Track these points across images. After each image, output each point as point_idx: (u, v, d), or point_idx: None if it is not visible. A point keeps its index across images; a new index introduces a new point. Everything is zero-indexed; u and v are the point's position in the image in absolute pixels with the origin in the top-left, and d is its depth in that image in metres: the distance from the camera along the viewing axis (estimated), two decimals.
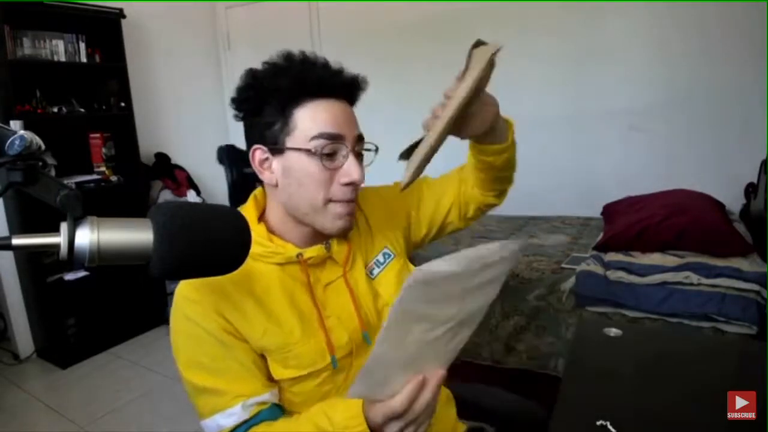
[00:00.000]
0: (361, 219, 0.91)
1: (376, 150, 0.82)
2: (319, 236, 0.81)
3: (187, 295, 0.74)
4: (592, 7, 2.63)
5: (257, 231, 0.79)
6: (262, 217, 0.85)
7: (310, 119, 0.75)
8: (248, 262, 0.69)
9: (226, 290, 0.74)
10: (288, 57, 0.77)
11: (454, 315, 0.60)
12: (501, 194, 0.98)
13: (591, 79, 2.72)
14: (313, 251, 0.80)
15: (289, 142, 0.75)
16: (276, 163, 0.77)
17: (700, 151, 2.52)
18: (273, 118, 0.76)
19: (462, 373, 0.95)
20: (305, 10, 3.44)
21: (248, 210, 0.84)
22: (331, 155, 0.75)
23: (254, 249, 0.74)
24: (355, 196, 0.79)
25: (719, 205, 2.12)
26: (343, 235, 0.83)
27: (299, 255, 0.79)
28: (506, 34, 2.88)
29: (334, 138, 0.75)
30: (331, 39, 3.38)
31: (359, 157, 0.80)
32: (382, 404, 0.62)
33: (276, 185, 0.78)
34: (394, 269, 0.89)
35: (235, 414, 0.72)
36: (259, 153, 0.78)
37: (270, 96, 0.75)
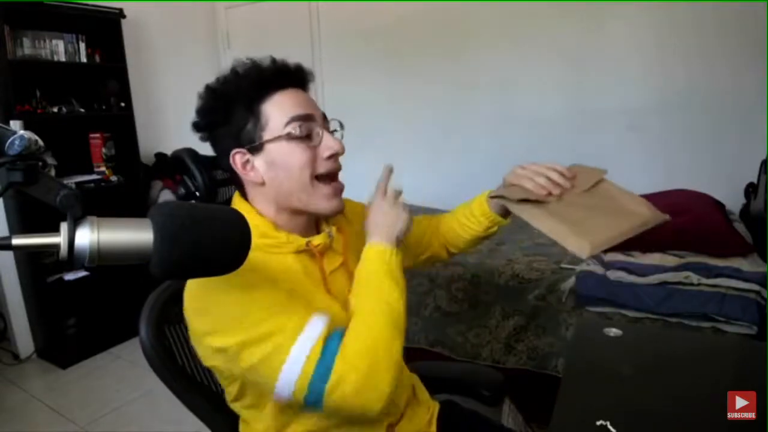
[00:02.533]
0: (344, 221, 0.95)
1: (342, 126, 0.87)
2: (313, 227, 0.87)
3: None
4: (591, 8, 2.63)
5: (264, 224, 0.81)
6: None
7: (279, 109, 0.79)
8: (261, 256, 0.74)
9: (254, 282, 0.72)
10: (238, 65, 0.83)
11: None
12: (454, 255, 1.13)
13: (590, 80, 2.72)
14: (320, 239, 0.84)
15: (267, 136, 0.79)
16: (258, 161, 0.80)
17: (699, 151, 2.51)
18: (244, 120, 0.79)
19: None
20: (305, 10, 3.44)
21: (243, 207, 0.84)
22: (307, 136, 0.80)
23: (265, 241, 0.79)
24: (339, 169, 0.84)
25: (719, 205, 2.12)
26: (337, 214, 0.87)
27: (308, 243, 0.82)
28: (506, 35, 2.89)
29: (306, 118, 0.79)
30: (331, 39, 3.38)
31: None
32: None
33: (263, 183, 0.81)
34: None
35: (321, 320, 0.71)
36: (239, 157, 0.81)
37: (235, 100, 0.79)
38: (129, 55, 2.88)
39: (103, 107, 2.84)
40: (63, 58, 2.68)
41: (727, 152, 2.45)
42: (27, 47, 2.56)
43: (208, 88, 0.82)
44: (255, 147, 0.79)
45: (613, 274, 1.74)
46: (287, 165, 0.79)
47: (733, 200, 2.29)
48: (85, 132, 2.80)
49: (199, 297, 0.73)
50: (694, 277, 1.63)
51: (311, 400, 0.68)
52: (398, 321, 0.77)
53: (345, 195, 0.90)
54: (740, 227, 1.98)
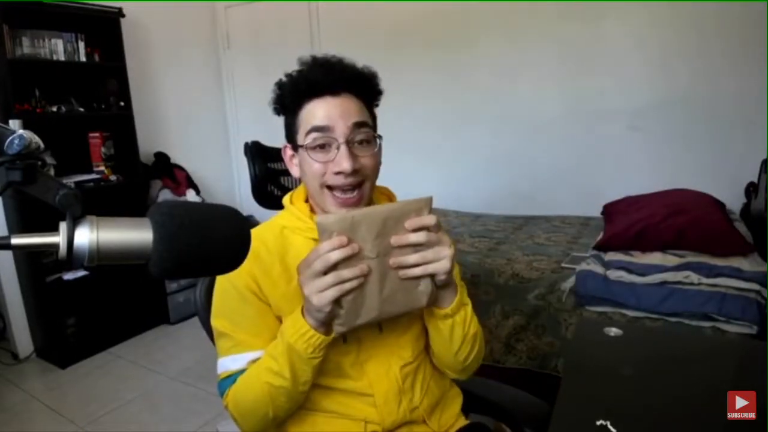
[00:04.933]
0: None
1: (379, 138, 0.87)
2: None
3: None
4: (592, 8, 2.63)
5: (302, 209, 0.90)
6: (308, 199, 0.93)
7: (307, 117, 0.84)
8: (287, 234, 0.89)
9: (261, 254, 0.85)
10: (301, 62, 0.86)
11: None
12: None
13: (591, 80, 2.72)
14: None
15: (298, 140, 0.85)
16: (297, 159, 0.89)
17: (699, 151, 2.51)
18: (290, 119, 0.87)
19: None
20: (305, 10, 3.44)
21: (299, 191, 0.94)
22: (323, 147, 0.83)
23: (295, 223, 0.89)
24: (356, 184, 0.83)
25: (719, 205, 2.12)
26: None
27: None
28: (506, 35, 2.89)
29: (321, 130, 0.82)
30: (331, 39, 3.38)
31: (363, 144, 0.84)
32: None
33: (300, 178, 0.90)
34: None
35: (240, 361, 0.84)
36: (288, 150, 0.91)
37: (286, 100, 0.87)
38: (128, 54, 2.87)
39: (103, 107, 2.84)
40: (62, 58, 2.67)
41: (727, 152, 2.45)
42: (26, 46, 2.56)
43: (279, 80, 0.88)
44: (295, 146, 0.87)
45: (613, 274, 1.74)
46: (305, 171, 0.86)
47: (733, 200, 2.29)
48: (84, 131, 2.80)
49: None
50: (694, 277, 1.63)
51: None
52: (277, 399, 0.81)
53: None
54: (740, 227, 1.98)
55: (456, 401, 1.00)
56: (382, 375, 0.88)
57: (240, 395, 0.83)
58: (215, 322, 0.87)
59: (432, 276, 0.76)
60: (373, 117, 0.88)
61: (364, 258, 0.73)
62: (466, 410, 1.01)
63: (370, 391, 0.87)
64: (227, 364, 0.85)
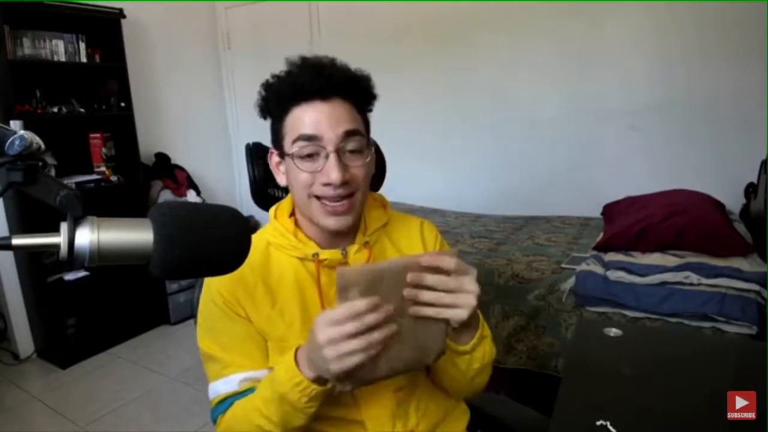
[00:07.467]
0: (384, 236, 0.91)
1: (372, 146, 0.83)
2: (336, 238, 0.84)
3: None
4: (592, 7, 2.63)
5: (286, 225, 0.86)
6: (294, 213, 0.88)
7: (292, 124, 0.79)
8: (272, 251, 0.84)
9: (243, 273, 0.80)
10: (289, 63, 0.81)
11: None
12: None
13: (591, 79, 2.72)
14: (329, 254, 0.83)
15: (285, 147, 0.80)
16: (283, 166, 0.83)
17: (699, 151, 2.51)
18: (276, 124, 0.82)
19: None
20: (305, 10, 3.44)
21: (285, 204, 0.89)
22: (311, 156, 0.78)
23: (279, 240, 0.84)
24: (345, 196, 0.78)
25: (719, 205, 2.12)
26: (344, 232, 0.82)
27: (315, 255, 0.82)
28: (506, 35, 2.89)
29: (309, 139, 0.77)
30: (331, 39, 3.38)
31: (354, 153, 0.79)
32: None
33: (287, 186, 0.85)
34: None
35: (231, 383, 0.79)
36: (274, 156, 0.85)
37: (269, 105, 0.82)
38: (129, 55, 2.88)
39: (103, 107, 2.84)
40: (63, 58, 2.68)
41: (727, 152, 2.45)
42: (27, 47, 2.57)
43: (265, 81, 0.83)
44: (281, 153, 0.82)
45: (613, 274, 1.74)
46: (292, 180, 0.81)
47: (733, 200, 2.29)
48: (85, 132, 2.81)
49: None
50: (694, 277, 1.63)
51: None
52: None
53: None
54: (740, 227, 1.98)
55: (461, 420, 0.94)
56: (373, 400, 0.82)
57: (228, 426, 0.80)
58: (201, 343, 0.83)
59: (446, 321, 0.69)
60: (366, 123, 0.83)
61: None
62: (473, 428, 0.96)
63: (360, 417, 0.82)
64: (218, 387, 0.80)
